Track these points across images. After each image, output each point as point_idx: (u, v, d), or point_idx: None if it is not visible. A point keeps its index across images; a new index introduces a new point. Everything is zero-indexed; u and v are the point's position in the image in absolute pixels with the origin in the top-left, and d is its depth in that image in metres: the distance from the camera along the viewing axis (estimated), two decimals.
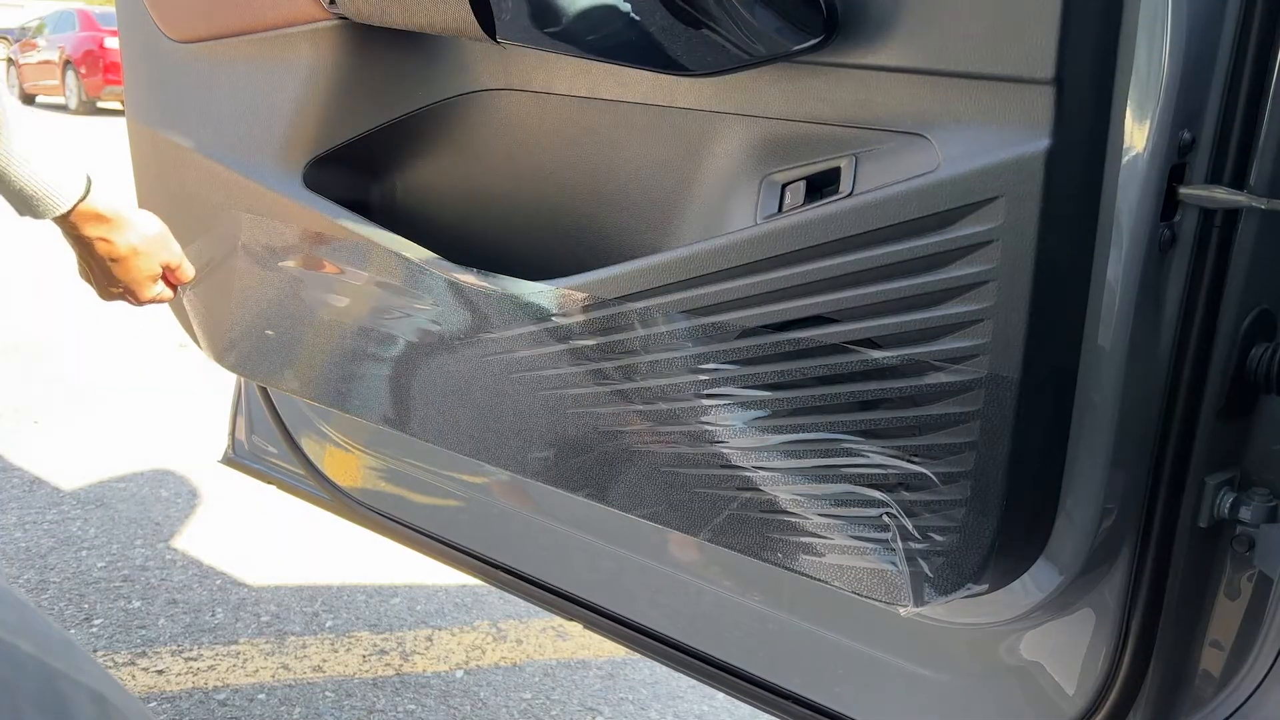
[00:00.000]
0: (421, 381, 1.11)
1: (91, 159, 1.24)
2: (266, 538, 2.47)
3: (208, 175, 1.25)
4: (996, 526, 0.80)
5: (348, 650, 2.05)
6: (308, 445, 1.55)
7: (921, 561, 0.83)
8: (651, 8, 0.85)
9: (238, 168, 1.21)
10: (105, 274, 1.16)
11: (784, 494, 0.88)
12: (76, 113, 13.06)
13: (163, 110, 1.31)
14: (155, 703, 1.85)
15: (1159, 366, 0.79)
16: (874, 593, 0.87)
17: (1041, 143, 0.71)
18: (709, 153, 0.94)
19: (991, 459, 0.78)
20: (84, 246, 1.13)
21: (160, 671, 1.93)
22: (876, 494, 0.83)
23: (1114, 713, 0.86)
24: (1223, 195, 0.74)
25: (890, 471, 0.82)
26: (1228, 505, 0.80)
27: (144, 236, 1.14)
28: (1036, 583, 0.86)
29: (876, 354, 0.80)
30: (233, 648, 2.03)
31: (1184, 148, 0.74)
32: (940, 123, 0.76)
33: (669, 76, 0.92)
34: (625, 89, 0.98)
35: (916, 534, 0.82)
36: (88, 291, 1.19)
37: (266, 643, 2.05)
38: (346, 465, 1.50)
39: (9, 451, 2.87)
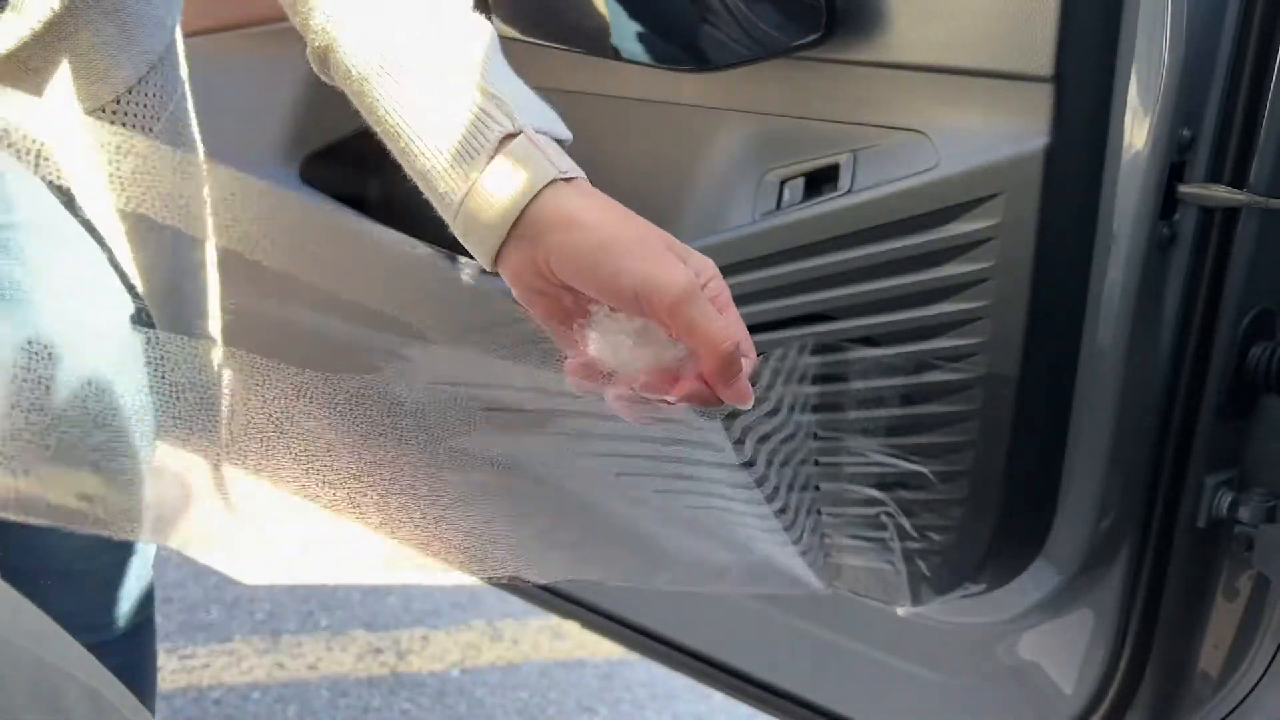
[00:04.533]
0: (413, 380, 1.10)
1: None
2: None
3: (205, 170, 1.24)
4: (994, 525, 0.80)
5: (343, 649, 2.05)
6: None
7: (919, 561, 0.83)
8: (650, 3, 0.85)
9: (234, 163, 1.21)
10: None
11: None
12: None
13: None
14: None
15: (1158, 365, 0.79)
16: (872, 592, 0.87)
17: (1040, 140, 0.71)
18: (707, 149, 0.93)
19: (990, 458, 0.78)
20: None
21: None
22: (874, 493, 0.83)
23: (1112, 713, 0.85)
24: (1223, 194, 0.73)
25: (888, 470, 0.82)
26: (1226, 505, 0.80)
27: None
28: (1034, 582, 0.85)
29: (874, 351, 0.79)
30: (227, 645, 2.02)
31: (1184, 145, 0.74)
32: (939, 120, 0.76)
33: (667, 72, 0.92)
34: (623, 84, 0.97)
35: (914, 533, 0.82)
36: None
37: (261, 641, 2.05)
38: None
39: None
